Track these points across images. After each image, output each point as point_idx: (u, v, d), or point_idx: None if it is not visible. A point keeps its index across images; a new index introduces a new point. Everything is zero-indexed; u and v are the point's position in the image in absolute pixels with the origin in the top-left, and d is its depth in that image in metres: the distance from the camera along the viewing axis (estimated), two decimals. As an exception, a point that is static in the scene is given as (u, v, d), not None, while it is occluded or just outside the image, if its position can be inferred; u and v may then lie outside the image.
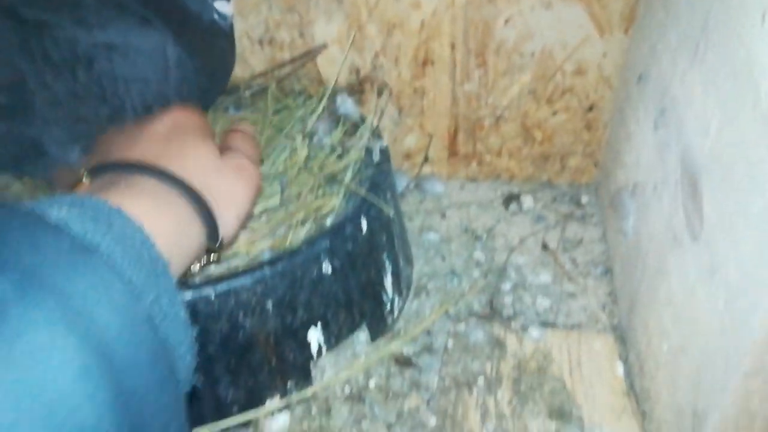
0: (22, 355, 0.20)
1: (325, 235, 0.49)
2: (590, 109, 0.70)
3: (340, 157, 0.60)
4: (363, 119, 0.63)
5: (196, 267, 0.38)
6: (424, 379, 0.52)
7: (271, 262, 0.46)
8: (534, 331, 0.53)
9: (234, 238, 0.41)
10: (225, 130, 0.45)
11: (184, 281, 0.43)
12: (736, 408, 0.33)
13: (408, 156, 0.79)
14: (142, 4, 0.50)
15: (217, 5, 0.53)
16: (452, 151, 0.77)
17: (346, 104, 0.63)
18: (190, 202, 0.34)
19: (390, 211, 0.53)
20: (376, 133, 0.61)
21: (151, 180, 0.34)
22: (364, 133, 0.61)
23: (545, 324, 0.55)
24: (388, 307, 0.57)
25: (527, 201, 0.71)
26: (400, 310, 0.59)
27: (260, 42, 0.73)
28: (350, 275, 0.51)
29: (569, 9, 0.64)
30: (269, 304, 0.47)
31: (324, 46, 0.71)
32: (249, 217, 0.42)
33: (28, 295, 0.21)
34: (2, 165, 0.49)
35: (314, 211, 0.54)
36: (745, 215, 0.31)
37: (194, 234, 0.35)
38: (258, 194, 0.42)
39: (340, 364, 0.54)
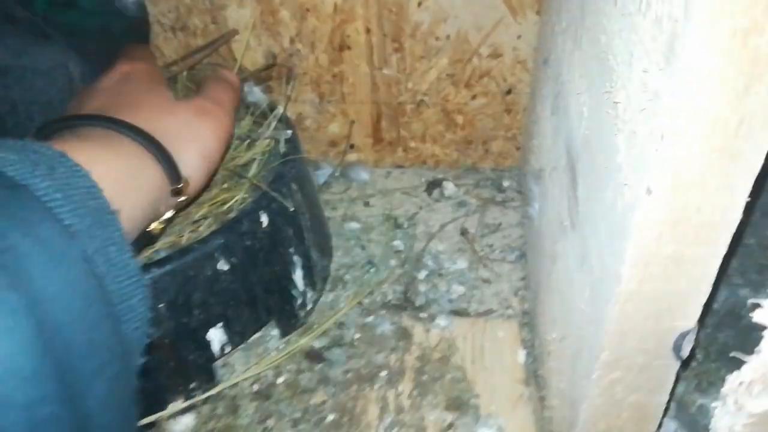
0: None
1: (219, 231, 0.48)
2: (509, 92, 0.70)
3: (249, 147, 0.58)
4: (272, 108, 0.61)
5: (169, 213, 0.38)
6: (333, 373, 0.52)
7: (160, 263, 0.45)
8: (441, 320, 0.53)
9: (204, 178, 0.41)
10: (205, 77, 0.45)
11: None
12: (602, 398, 0.32)
13: (333, 143, 0.77)
14: (36, 15, 0.47)
15: None
16: (376, 138, 0.76)
17: (254, 92, 0.61)
18: (141, 144, 0.34)
19: (290, 206, 0.52)
20: (285, 122, 0.60)
21: (96, 129, 0.34)
22: (272, 122, 0.59)
23: (457, 312, 0.55)
24: (300, 301, 0.56)
25: (449, 187, 0.71)
26: (315, 303, 0.58)
27: (172, 29, 0.70)
28: (251, 272, 0.50)
29: (482, -10, 0.63)
30: (162, 306, 0.45)
31: (234, 32, 0.69)
32: (220, 157, 0.42)
33: None
34: None
35: (218, 206, 0.53)
36: (602, 205, 0.31)
37: (149, 175, 0.34)
38: (228, 136, 0.42)
39: (251, 362, 0.54)
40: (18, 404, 0.22)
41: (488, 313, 0.55)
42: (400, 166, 0.78)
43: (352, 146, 0.77)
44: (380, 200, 0.72)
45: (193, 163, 0.38)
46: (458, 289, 0.58)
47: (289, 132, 0.57)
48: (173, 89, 0.66)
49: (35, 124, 0.46)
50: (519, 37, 0.66)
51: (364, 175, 0.76)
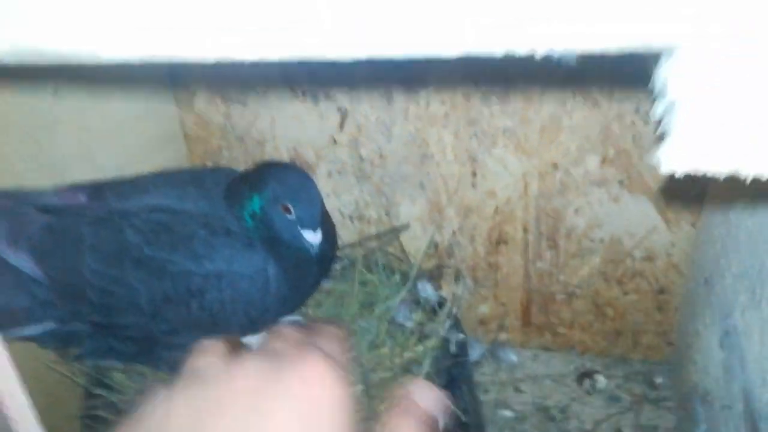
0: None
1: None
2: (661, 291, 0.73)
3: (419, 340, 0.65)
4: (441, 304, 0.68)
5: None
6: None
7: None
8: None
9: None
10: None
11: None
12: None
13: (482, 323, 0.83)
14: (245, 229, 0.56)
15: (305, 234, 0.55)
16: (525, 321, 0.81)
17: (427, 289, 0.69)
18: None
19: (463, 417, 0.57)
20: (455, 323, 0.65)
21: None
22: (443, 320, 0.65)
23: None
24: (462, 497, 0.59)
25: (601, 380, 0.73)
26: (473, 498, 0.61)
27: (350, 218, 0.81)
28: (426, 471, 0.54)
29: (636, 202, 0.69)
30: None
31: (407, 226, 0.78)
32: None
33: None
34: (119, 360, 0.57)
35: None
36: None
37: None
38: None
39: None
40: None
41: None
42: (546, 350, 0.82)
43: (500, 327, 0.82)
44: (531, 386, 0.75)
45: None
46: (618, 498, 0.59)
47: (462, 336, 0.63)
48: (352, 278, 0.74)
49: (237, 318, 0.54)
50: (673, 244, 0.70)
51: (512, 356, 0.80)
